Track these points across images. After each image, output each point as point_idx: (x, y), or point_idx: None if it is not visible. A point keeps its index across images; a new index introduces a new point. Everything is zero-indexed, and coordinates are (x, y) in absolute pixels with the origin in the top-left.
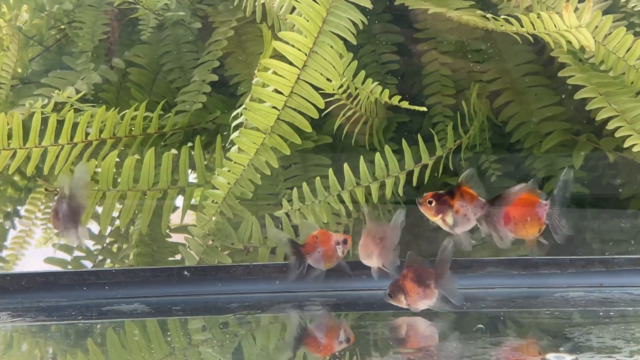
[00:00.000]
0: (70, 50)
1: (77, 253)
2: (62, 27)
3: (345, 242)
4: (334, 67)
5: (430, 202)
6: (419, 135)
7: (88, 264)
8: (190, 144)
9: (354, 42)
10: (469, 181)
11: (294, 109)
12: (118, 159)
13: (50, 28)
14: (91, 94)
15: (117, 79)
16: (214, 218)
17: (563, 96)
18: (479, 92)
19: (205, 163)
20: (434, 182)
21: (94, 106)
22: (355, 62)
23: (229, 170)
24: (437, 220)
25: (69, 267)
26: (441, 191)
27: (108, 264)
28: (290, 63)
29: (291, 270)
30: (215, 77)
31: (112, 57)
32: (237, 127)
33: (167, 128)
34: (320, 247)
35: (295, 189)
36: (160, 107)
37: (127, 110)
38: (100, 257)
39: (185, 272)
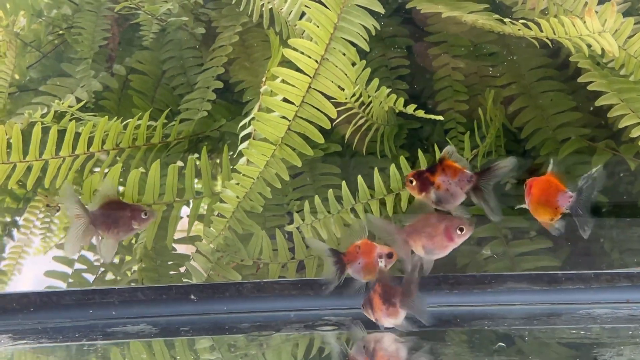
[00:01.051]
0: (70, 57)
1: (78, 266)
2: (61, 32)
3: (390, 255)
4: (346, 74)
5: (411, 181)
6: (435, 145)
7: (90, 277)
8: (196, 155)
9: (367, 49)
10: (451, 157)
11: (305, 119)
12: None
13: (49, 34)
14: (92, 101)
15: (118, 86)
16: (222, 233)
17: (581, 103)
18: (493, 98)
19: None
20: None
21: (95, 115)
22: (369, 69)
23: (237, 184)
24: (421, 198)
25: (70, 280)
26: (423, 169)
27: (109, 279)
28: (301, 71)
29: (330, 280)
30: (220, 84)
31: (113, 64)
32: (245, 138)
33: (172, 137)
34: (361, 258)
35: (306, 201)
36: (165, 116)
37: (130, 120)
38: (102, 269)
39: (192, 296)
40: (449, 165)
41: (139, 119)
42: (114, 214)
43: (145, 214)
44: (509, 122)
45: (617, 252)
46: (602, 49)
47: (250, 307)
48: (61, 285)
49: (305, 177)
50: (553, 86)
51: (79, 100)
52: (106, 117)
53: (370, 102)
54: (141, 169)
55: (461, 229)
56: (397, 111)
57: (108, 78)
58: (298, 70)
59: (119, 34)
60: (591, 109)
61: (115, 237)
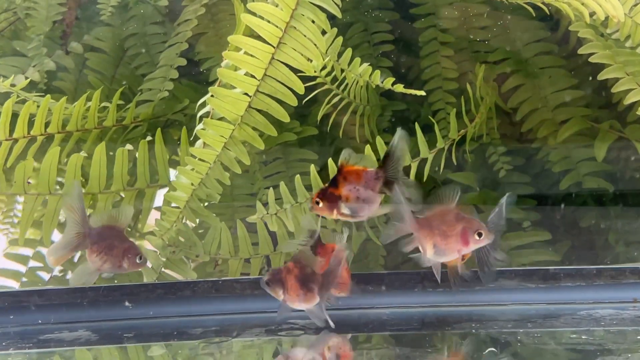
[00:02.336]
0: (25, 35)
1: (33, 263)
2: (15, 9)
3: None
4: (315, 45)
5: (317, 202)
6: (416, 124)
7: (45, 276)
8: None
9: (339, 15)
10: (350, 160)
11: (269, 95)
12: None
13: (3, 12)
14: (44, 82)
15: (74, 66)
16: (175, 225)
17: (583, 81)
18: (485, 75)
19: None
20: (435, 178)
21: (42, 96)
22: (340, 38)
23: (192, 169)
24: (335, 217)
25: (24, 279)
26: (324, 185)
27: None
28: (263, 40)
29: None
30: (183, 61)
31: (67, 41)
32: (204, 118)
33: (128, 120)
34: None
35: (271, 189)
36: (119, 96)
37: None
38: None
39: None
40: (349, 171)
41: (88, 98)
42: (112, 241)
43: (140, 258)
44: (503, 102)
45: (622, 245)
46: (606, 17)
47: (205, 310)
48: (14, 285)
49: (278, 164)
50: (552, 62)
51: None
52: (48, 96)
53: (345, 77)
54: (83, 153)
55: (479, 234)
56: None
57: (63, 57)
58: (261, 39)
59: (77, 9)
60: (595, 87)
61: (100, 265)
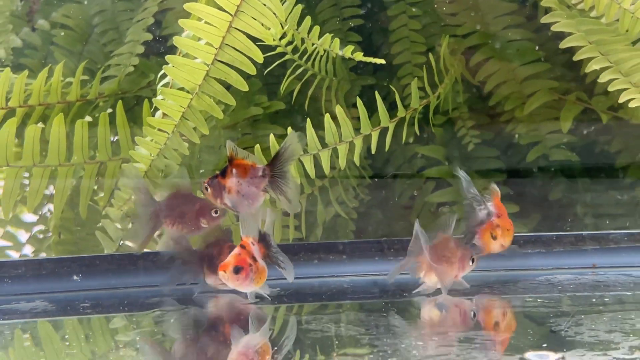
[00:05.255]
0: None
1: (1, 243)
2: None
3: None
4: (274, 13)
5: (206, 188)
6: (376, 93)
7: (15, 255)
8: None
9: None
10: (237, 153)
11: (227, 64)
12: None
13: None
14: (10, 59)
15: (41, 43)
16: (133, 197)
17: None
18: (452, 48)
19: None
20: (403, 151)
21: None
22: (300, 7)
23: (151, 140)
24: (220, 205)
25: None
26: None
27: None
28: (220, 8)
29: None
30: (149, 36)
31: (33, 18)
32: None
33: (92, 95)
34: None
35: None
36: (82, 71)
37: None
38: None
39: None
40: (237, 164)
41: (49, 73)
42: (181, 207)
43: (216, 212)
44: (471, 76)
45: (591, 217)
46: None
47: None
48: None
49: (247, 140)
50: (520, 35)
51: None
52: (7, 69)
53: (307, 49)
54: (40, 125)
55: (472, 260)
56: (341, 61)
57: (30, 34)
58: (217, 7)
59: None
60: (565, 60)
61: (179, 233)
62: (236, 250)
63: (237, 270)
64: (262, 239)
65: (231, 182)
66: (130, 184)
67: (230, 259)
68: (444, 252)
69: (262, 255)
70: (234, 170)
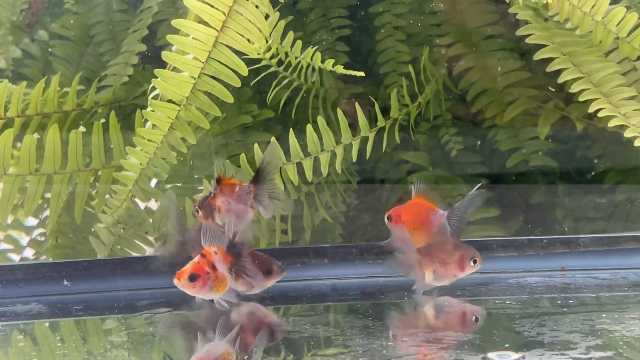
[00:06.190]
0: None
1: (2, 246)
2: None
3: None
4: (258, 28)
5: (197, 211)
6: (356, 103)
7: (15, 258)
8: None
9: None
10: (224, 172)
11: (212, 77)
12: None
13: None
14: (10, 69)
15: (40, 53)
16: (125, 204)
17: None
18: (436, 58)
19: None
20: (391, 158)
21: None
22: (283, 22)
23: (141, 149)
24: (212, 225)
25: None
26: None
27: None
28: (206, 24)
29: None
30: (143, 47)
31: (33, 29)
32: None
33: (88, 104)
34: None
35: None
36: (78, 81)
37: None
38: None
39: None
40: (225, 183)
41: (46, 83)
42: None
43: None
44: (454, 84)
45: (570, 220)
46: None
47: (156, 284)
48: None
49: (237, 147)
50: (502, 45)
51: None
52: (6, 81)
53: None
54: (36, 135)
55: (474, 261)
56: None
57: (29, 44)
58: (204, 23)
59: None
60: (545, 70)
61: None
62: (196, 258)
63: (192, 278)
64: (233, 248)
65: (220, 201)
66: (169, 207)
67: (187, 267)
68: (438, 252)
69: (230, 264)
70: (223, 190)
